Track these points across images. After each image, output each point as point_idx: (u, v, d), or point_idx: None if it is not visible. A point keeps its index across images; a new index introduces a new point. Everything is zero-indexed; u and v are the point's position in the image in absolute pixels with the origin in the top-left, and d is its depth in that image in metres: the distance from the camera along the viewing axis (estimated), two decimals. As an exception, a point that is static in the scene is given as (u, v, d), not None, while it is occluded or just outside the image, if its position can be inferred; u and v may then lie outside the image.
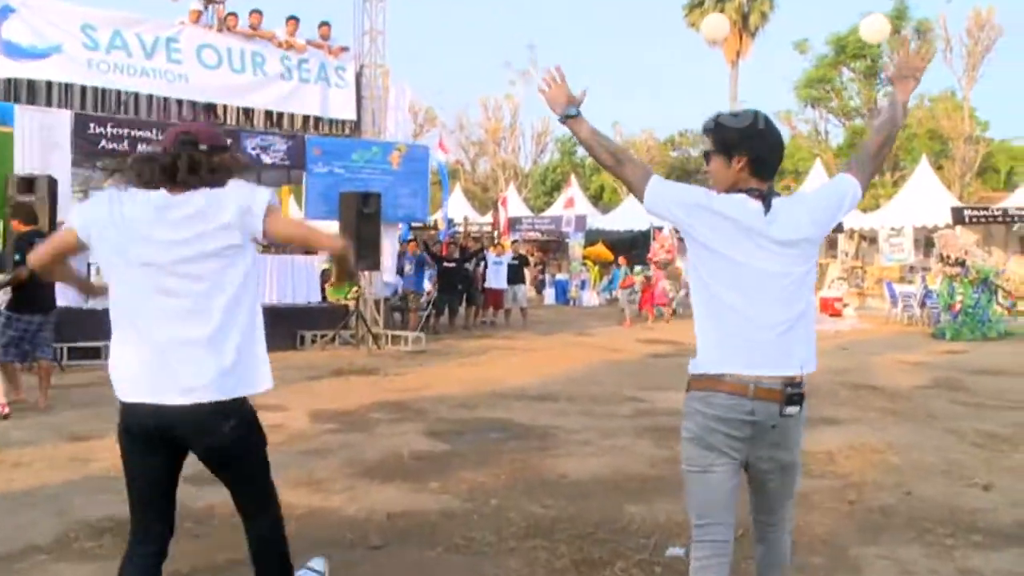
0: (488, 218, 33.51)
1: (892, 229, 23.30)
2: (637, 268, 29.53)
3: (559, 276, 28.41)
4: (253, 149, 12.83)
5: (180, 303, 2.75)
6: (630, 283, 21.93)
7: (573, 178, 30.38)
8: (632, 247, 31.46)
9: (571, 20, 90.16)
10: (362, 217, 12.97)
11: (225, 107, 13.45)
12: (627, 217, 29.61)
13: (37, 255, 2.97)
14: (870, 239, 25.45)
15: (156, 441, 2.81)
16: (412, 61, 76.55)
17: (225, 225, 2.76)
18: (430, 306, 16.63)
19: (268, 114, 13.81)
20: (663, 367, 11.87)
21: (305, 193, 13.40)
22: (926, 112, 34.01)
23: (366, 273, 14.16)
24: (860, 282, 25.55)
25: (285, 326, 13.40)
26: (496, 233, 30.46)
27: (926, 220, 22.67)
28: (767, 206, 2.73)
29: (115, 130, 12.14)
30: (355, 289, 13.32)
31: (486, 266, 18.10)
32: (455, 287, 16.88)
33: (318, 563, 3.86)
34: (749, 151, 2.78)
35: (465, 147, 48.54)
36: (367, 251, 13.03)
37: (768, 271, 2.74)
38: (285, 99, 13.67)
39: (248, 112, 13.64)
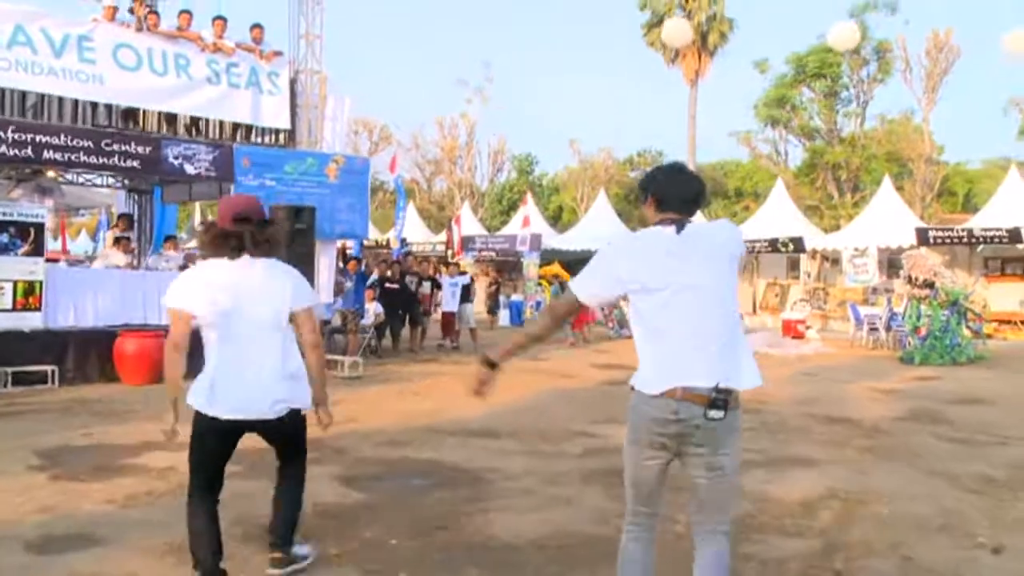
0: (442, 236, 32.59)
1: (856, 250, 22.70)
2: (595, 289, 28.88)
3: (514, 297, 27.44)
4: (175, 159, 11.73)
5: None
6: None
7: (529, 197, 29.53)
8: None
9: (527, 37, 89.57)
10: (294, 233, 11.90)
11: (145, 112, 12.33)
12: (584, 236, 28.77)
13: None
14: (832, 260, 24.86)
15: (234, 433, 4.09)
16: (364, 78, 75.69)
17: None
18: (372, 329, 15.54)
19: (193, 121, 12.71)
20: (618, 396, 10.87)
21: (232, 206, 12.33)
22: (884, 133, 33.71)
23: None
24: (822, 304, 24.92)
25: (210, 351, 12.30)
26: (450, 252, 29.58)
27: (890, 241, 22.08)
28: (679, 229, 3.15)
29: (18, 135, 10.97)
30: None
31: (439, 288, 17.11)
32: (396, 309, 15.86)
33: (302, 549, 4.42)
34: (654, 192, 3.27)
35: (421, 166, 47.70)
36: (299, 270, 11.94)
37: (692, 284, 3.08)
38: (212, 105, 12.58)
39: (171, 118, 12.53)
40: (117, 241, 13.42)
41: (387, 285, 15.76)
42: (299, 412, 4.19)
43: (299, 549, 4.37)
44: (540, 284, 26.21)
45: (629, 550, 3.27)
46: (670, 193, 3.25)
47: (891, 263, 23.14)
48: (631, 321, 3.26)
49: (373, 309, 15.78)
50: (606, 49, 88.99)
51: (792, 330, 21.60)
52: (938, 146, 36.39)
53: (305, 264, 11.99)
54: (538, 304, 25.77)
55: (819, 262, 24.89)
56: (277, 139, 13.40)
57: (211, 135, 12.78)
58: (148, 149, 11.52)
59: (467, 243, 28.24)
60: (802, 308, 24.25)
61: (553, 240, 29.06)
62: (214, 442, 4.02)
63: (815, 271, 24.88)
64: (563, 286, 22.34)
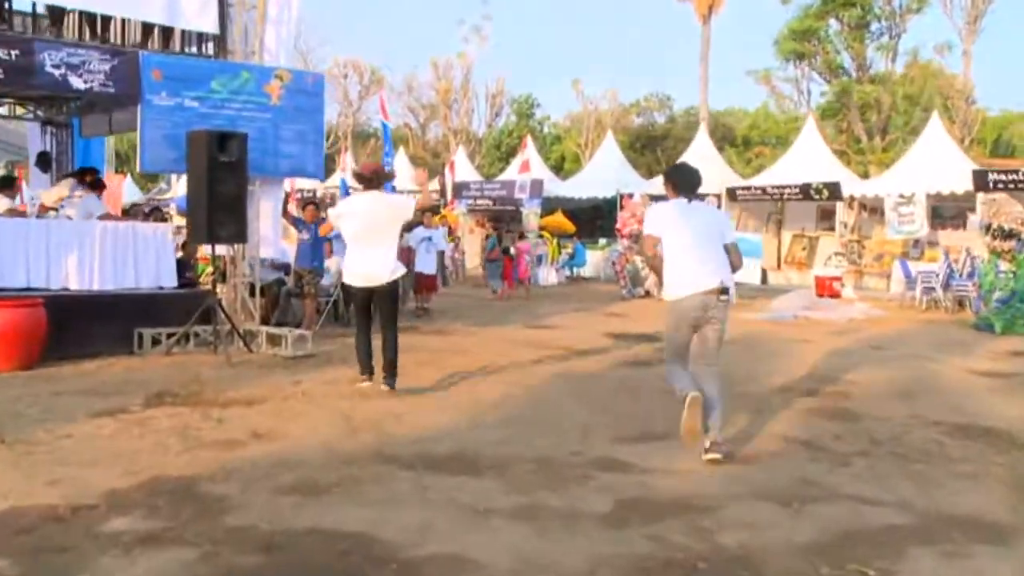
0: (435, 185, 29.51)
1: (901, 196, 19.63)
2: (602, 241, 25.92)
3: (513, 250, 24.37)
4: (56, 67, 8.68)
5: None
6: (496, 256, 18.92)
7: (529, 140, 26.40)
8: (596, 217, 27.74)
9: None
10: (218, 167, 8.93)
11: (10, 5, 9.28)
12: (590, 183, 25.83)
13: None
14: (871, 208, 21.81)
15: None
16: (352, 17, 71.70)
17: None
18: (336, 290, 12.59)
19: (85, 19, 9.64)
20: (648, 385, 8.04)
21: (140, 135, 9.24)
22: (919, 69, 30.44)
23: (233, 248, 10.14)
24: (857, 258, 21.92)
25: (119, 322, 9.37)
26: (443, 202, 26.53)
27: (940, 186, 19.01)
28: (688, 201, 5.70)
29: None
30: (208, 271, 9.35)
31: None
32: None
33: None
34: (674, 181, 5.80)
35: (415, 110, 44.47)
36: (226, 216, 9.01)
37: (696, 228, 5.55)
38: (109, -2, 9.47)
39: (55, 13, 9.47)
40: (4, 182, 10.46)
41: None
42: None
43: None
44: (542, 236, 23.19)
45: (673, 367, 5.64)
46: (683, 182, 5.78)
47: (934, 212, 20.13)
48: (665, 251, 5.57)
49: (336, 266, 12.80)
50: None
51: (827, 288, 18.68)
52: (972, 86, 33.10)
53: (233, 208, 9.06)
54: (539, 259, 22.76)
55: (856, 211, 21.84)
56: (201, 47, 10.33)
57: (110, 39, 9.72)
58: (15, 54, 8.46)
59: (460, 191, 25.20)
60: (838, 263, 21.25)
61: (556, 187, 26.00)
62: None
63: (852, 221, 21.85)
64: (499, 239, 19.57)
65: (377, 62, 44.61)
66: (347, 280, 7.57)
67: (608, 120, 37.95)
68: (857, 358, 10.27)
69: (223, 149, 8.96)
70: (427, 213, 14.73)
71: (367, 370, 7.55)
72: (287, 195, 12.39)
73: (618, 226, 18.82)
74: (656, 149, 42.56)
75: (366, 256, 7.24)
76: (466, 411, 6.86)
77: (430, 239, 14.60)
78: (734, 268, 5.63)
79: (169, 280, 10.13)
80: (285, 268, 12.78)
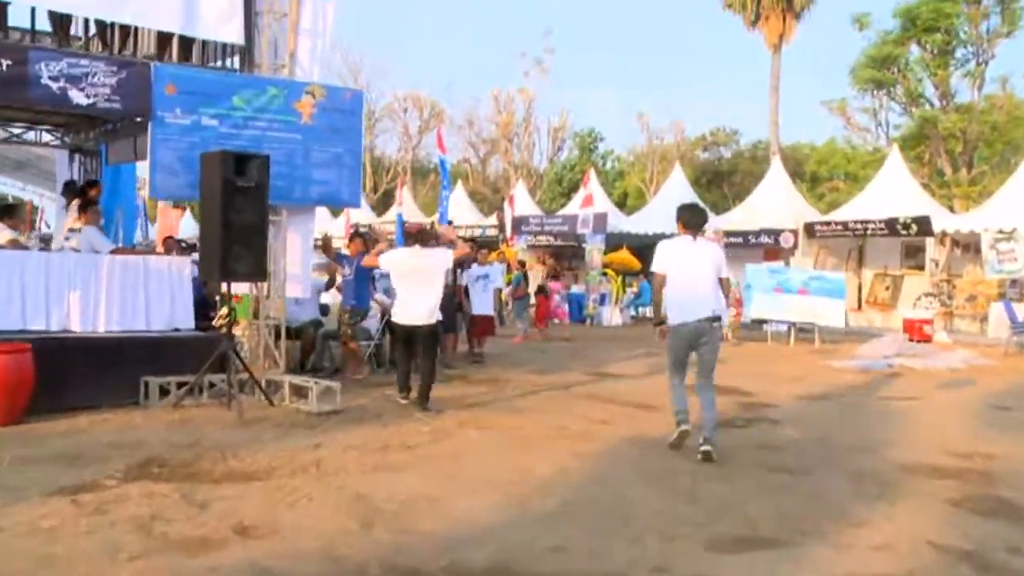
0: (493, 220, 28.31)
1: (1000, 232, 17.74)
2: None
3: (575, 288, 23.02)
4: (54, 79, 7.57)
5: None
6: (522, 294, 17.08)
7: (592, 173, 25.02)
8: None
9: (590, 2, 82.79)
10: (234, 193, 7.71)
11: (6, 7, 8.24)
12: (656, 218, 24.06)
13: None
14: (963, 245, 19.91)
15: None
16: (412, 50, 71.38)
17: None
18: (381, 331, 11.30)
19: (93, 26, 8.57)
20: (741, 457, 6.54)
21: (150, 157, 8.07)
22: (1007, 98, 28.37)
23: (257, 286, 8.89)
24: (947, 299, 19.99)
25: (126, 369, 8.15)
26: (501, 237, 25.27)
27: (1045, 221, 17.12)
28: (694, 238, 6.64)
29: None
30: (223, 311, 8.13)
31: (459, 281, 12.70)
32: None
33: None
34: (682, 219, 6.72)
35: (475, 145, 43.44)
36: (243, 249, 7.76)
37: (696, 264, 6.52)
38: (120, 1, 8.34)
39: (59, 21, 8.41)
40: (6, 211, 9.41)
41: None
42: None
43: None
44: (605, 274, 21.72)
45: (674, 381, 6.85)
46: (692, 221, 6.72)
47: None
48: (669, 281, 6.59)
49: (381, 304, 11.51)
50: (677, 14, 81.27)
51: (918, 332, 16.85)
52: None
53: (251, 240, 7.82)
54: (603, 298, 21.29)
55: (948, 248, 19.93)
56: (223, 59, 9.19)
57: (117, 49, 8.62)
58: (7, 64, 7.36)
59: (519, 225, 23.87)
60: (928, 304, 19.35)
61: (620, 222, 24.55)
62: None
63: (943, 259, 19.94)
64: (525, 276, 18.03)
65: (437, 96, 43.67)
66: (394, 318, 8.46)
67: (674, 154, 36.38)
68: (983, 421, 8.58)
69: (241, 172, 7.73)
70: (482, 250, 13.36)
71: (405, 389, 8.50)
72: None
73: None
74: (723, 185, 40.90)
75: (410, 300, 8.25)
76: (513, 494, 5.41)
77: (486, 276, 13.19)
78: (726, 297, 6.81)
79: (186, 321, 8.91)
80: (324, 309, 11.55)
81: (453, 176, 38.51)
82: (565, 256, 26.36)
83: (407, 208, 30.86)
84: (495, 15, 79.50)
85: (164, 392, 8.17)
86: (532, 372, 11.55)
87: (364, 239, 11.87)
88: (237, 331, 8.91)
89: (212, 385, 8.32)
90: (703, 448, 6.42)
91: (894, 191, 20.94)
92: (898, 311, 21.36)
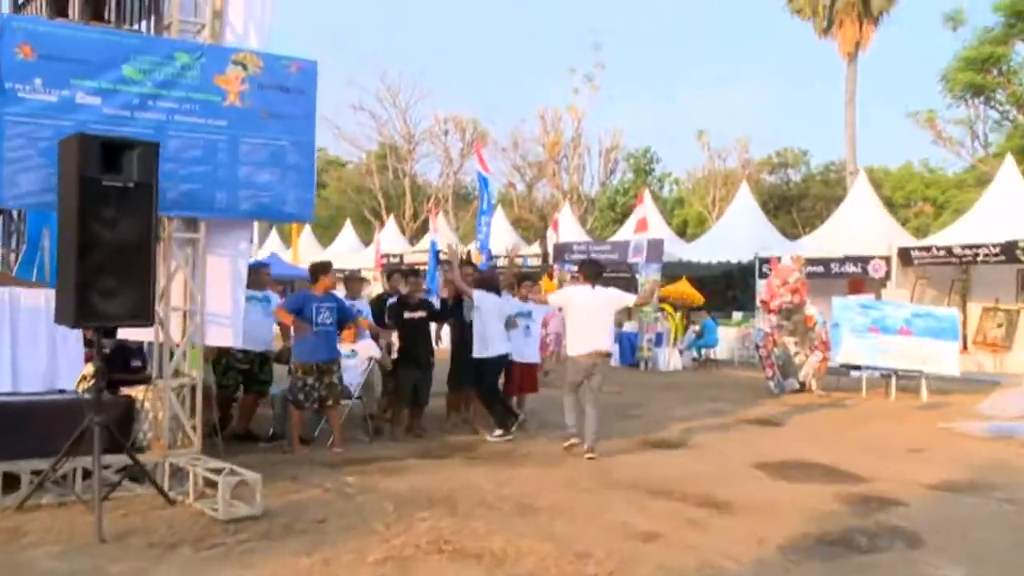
0: (535, 248, 25.91)
1: None
2: (737, 315, 21.55)
3: (626, 327, 20.32)
4: None
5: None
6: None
7: (647, 194, 22.49)
8: (729, 285, 23.68)
9: (643, 12, 79.39)
10: (101, 197, 5.31)
11: None
12: (721, 245, 21.76)
13: None
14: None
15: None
16: (451, 68, 69.37)
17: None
18: (366, 389, 8.86)
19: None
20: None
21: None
22: None
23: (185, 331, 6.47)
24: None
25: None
26: (545, 266, 22.84)
27: None
28: (593, 286, 8.25)
29: None
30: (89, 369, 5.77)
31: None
32: (420, 356, 9.09)
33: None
34: (584, 272, 8.45)
35: (520, 169, 41.12)
36: (114, 280, 5.35)
37: (591, 307, 8.16)
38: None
39: None
40: None
41: (407, 315, 9.02)
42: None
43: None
44: (662, 310, 19.13)
45: (570, 399, 8.33)
46: (590, 272, 8.35)
47: None
48: (569, 321, 8.32)
49: (365, 354, 9.06)
50: (738, 23, 77.38)
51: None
52: None
53: (128, 266, 5.41)
54: (658, 338, 18.60)
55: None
56: (122, 18, 6.85)
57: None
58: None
59: (561, 253, 21.36)
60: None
61: (679, 249, 21.96)
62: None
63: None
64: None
65: (480, 116, 41.62)
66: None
67: (738, 176, 33.67)
68: None
69: (111, 166, 5.35)
70: (526, 281, 10.66)
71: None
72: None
73: (763, 297, 14.53)
74: (791, 211, 37.98)
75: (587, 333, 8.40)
76: None
77: (529, 315, 10.01)
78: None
79: (72, 378, 6.53)
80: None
81: (498, 204, 36.32)
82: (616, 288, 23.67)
83: (442, 236, 28.74)
84: (541, 29, 77.25)
85: (13, 482, 5.76)
86: (562, 439, 8.95)
87: (401, 274, 9.68)
88: (139, 394, 6.51)
89: (87, 474, 5.88)
90: (589, 455, 7.96)
91: (1009, 210, 17.92)
92: (1013, 352, 18.31)
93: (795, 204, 38.69)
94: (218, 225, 6.64)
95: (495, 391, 9.23)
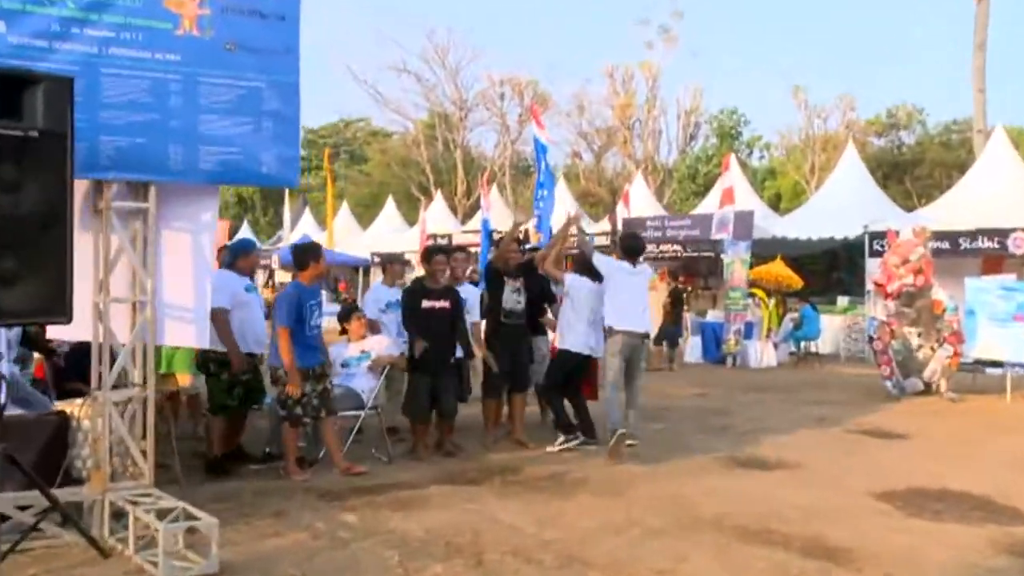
0: (604, 225, 24.82)
1: None
2: (843, 301, 20.29)
3: (710, 316, 19.37)
4: None
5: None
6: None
7: (733, 160, 21.26)
8: (832, 266, 22.56)
9: None
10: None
11: None
12: (822, 219, 20.68)
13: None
14: None
15: None
16: (508, 25, 67.95)
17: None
18: (373, 402, 7.95)
19: None
20: None
21: None
22: None
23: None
24: None
25: None
26: (613, 242, 21.77)
27: None
28: (634, 265, 8.45)
29: None
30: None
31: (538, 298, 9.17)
32: (438, 357, 8.10)
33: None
34: (624, 248, 8.68)
35: (587, 136, 40.07)
36: (17, 262, 4.48)
37: (634, 287, 8.39)
38: None
39: None
40: None
41: (426, 304, 8.05)
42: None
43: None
44: (753, 295, 18.12)
45: (615, 392, 8.24)
46: (632, 247, 8.64)
47: None
48: (608, 299, 8.30)
49: (379, 353, 8.17)
50: None
51: None
52: None
53: (29, 242, 4.56)
54: (748, 328, 17.49)
55: None
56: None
57: None
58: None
59: (631, 229, 20.18)
60: None
61: (772, 224, 20.89)
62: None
63: None
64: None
65: (540, 77, 40.86)
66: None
67: (842, 139, 32.16)
68: None
69: (6, 110, 4.48)
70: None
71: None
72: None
73: (876, 279, 13.26)
74: (904, 179, 36.33)
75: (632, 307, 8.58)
76: None
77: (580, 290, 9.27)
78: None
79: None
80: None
81: (563, 177, 35.33)
82: (696, 271, 22.69)
83: (497, 213, 27.93)
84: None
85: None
86: (632, 458, 7.95)
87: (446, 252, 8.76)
88: (76, 411, 5.66)
89: (3, 518, 5.04)
90: (630, 444, 8.16)
91: None
92: None
93: (909, 171, 37.08)
94: (174, 192, 5.74)
95: (560, 392, 8.68)
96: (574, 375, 8.70)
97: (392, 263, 9.65)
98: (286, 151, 5.91)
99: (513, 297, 8.72)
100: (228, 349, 7.24)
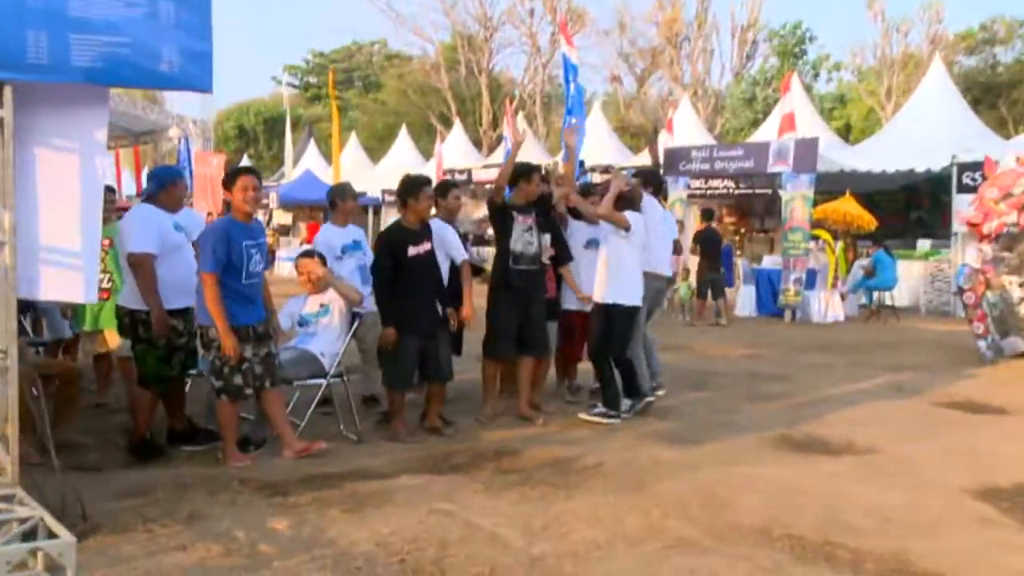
0: (643, 159, 23.89)
1: None
2: (924, 245, 19.34)
3: (766, 262, 18.75)
4: None
5: None
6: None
7: (794, 80, 20.17)
8: (911, 203, 22.50)
9: None
10: None
11: None
12: (899, 148, 19.92)
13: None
14: None
15: None
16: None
17: None
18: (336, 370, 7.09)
19: None
20: None
21: None
22: None
23: None
24: None
25: None
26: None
27: None
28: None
29: None
30: None
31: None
32: (426, 312, 7.21)
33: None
34: (650, 183, 8.85)
35: (629, 58, 38.97)
36: None
37: (660, 226, 8.54)
38: None
39: None
40: None
41: (411, 250, 7.09)
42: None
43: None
44: (816, 238, 17.44)
45: (640, 352, 8.21)
46: (659, 184, 9.73)
47: None
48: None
49: (339, 305, 7.30)
50: None
51: None
52: None
53: None
54: (811, 276, 16.74)
55: None
56: None
57: None
58: None
59: (675, 162, 19.28)
60: None
61: (840, 155, 20.25)
62: None
63: None
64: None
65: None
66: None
67: (925, 57, 30.99)
68: None
69: None
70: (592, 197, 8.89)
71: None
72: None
73: (968, 218, 12.19)
74: (998, 103, 35.09)
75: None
76: None
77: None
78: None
79: None
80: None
81: (594, 101, 34.32)
82: (750, 210, 21.83)
83: (527, 146, 27.08)
84: None
85: None
86: (662, 439, 7.07)
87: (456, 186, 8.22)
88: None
89: None
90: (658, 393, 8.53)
91: None
92: None
93: (1005, 94, 35.80)
94: (46, 97, 4.81)
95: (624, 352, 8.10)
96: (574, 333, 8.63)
97: (344, 199, 8.57)
98: (193, 44, 4.95)
99: (524, 237, 7.78)
100: (149, 305, 6.41)
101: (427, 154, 34.60)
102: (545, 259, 8.02)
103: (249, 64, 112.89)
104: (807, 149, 17.10)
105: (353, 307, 7.40)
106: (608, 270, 7.92)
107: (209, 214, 14.74)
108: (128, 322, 6.67)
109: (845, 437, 7.29)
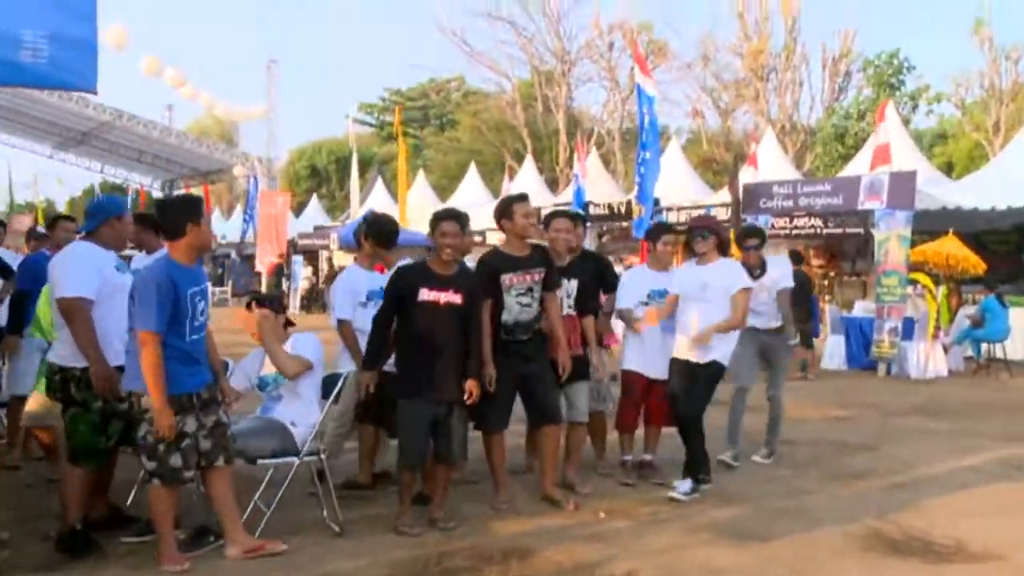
0: (722, 196, 22.78)
1: None
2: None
3: (857, 309, 17.72)
4: None
5: None
6: None
7: (890, 108, 18.96)
8: (1023, 246, 20.62)
9: None
10: None
11: None
12: (1010, 184, 18.37)
13: None
14: None
15: None
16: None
17: None
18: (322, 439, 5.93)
19: None
20: None
21: None
22: None
23: None
24: None
25: None
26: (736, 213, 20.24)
27: None
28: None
29: None
30: None
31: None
32: (440, 373, 6.05)
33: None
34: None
35: (713, 91, 37.97)
36: None
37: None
38: None
39: None
40: None
41: (425, 295, 5.95)
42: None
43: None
44: (915, 282, 16.20)
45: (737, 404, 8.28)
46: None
47: None
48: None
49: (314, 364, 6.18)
50: None
51: None
52: None
53: None
54: (908, 325, 15.66)
55: None
56: None
57: None
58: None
59: (755, 199, 18.12)
60: None
61: (941, 191, 18.85)
62: None
63: None
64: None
65: (656, 20, 39.38)
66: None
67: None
68: None
69: None
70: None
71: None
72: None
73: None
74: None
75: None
76: None
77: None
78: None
79: None
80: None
81: (670, 135, 33.31)
82: (841, 252, 20.64)
83: (595, 183, 26.19)
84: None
85: None
86: (719, 533, 5.81)
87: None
88: None
89: None
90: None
91: None
92: None
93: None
94: None
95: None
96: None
97: (382, 235, 7.39)
98: (70, 26, 3.85)
99: (519, 302, 6.50)
100: (88, 359, 5.35)
101: (496, 193, 33.94)
102: (567, 308, 6.89)
103: (325, 102, 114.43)
104: (904, 183, 15.93)
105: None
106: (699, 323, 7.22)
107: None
108: (59, 381, 5.60)
109: (952, 535, 5.93)
